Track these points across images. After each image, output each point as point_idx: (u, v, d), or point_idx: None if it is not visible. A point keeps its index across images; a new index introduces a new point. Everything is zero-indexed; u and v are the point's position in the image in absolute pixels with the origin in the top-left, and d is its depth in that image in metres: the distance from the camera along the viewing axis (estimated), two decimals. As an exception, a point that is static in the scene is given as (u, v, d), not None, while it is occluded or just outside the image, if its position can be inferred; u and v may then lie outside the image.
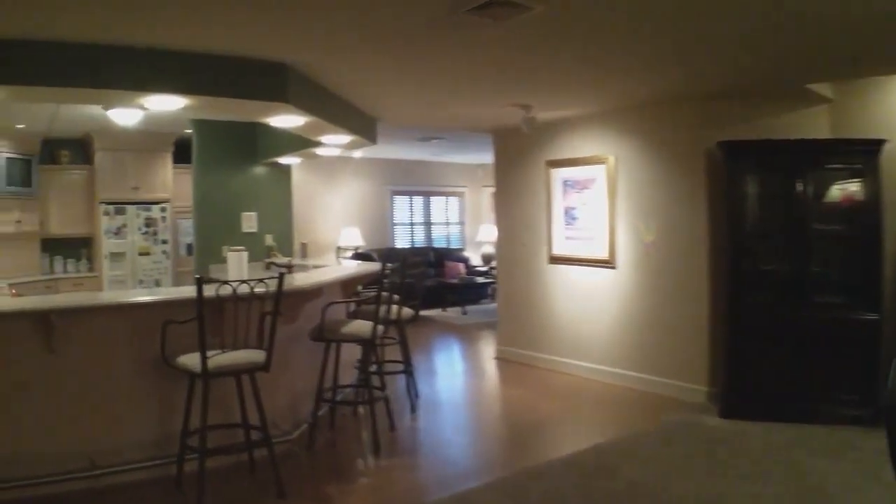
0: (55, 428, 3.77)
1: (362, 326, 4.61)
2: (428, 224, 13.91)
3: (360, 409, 5.36)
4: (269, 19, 3.44)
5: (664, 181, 5.99)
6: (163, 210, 9.02)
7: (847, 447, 4.41)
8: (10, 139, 8.35)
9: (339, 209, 12.45)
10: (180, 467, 3.83)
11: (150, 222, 8.94)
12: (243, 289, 3.56)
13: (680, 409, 5.42)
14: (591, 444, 4.64)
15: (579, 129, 6.77)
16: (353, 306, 5.47)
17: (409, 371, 5.70)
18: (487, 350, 8.33)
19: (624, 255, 6.37)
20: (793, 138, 5.12)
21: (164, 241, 8.99)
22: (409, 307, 5.72)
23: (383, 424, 4.88)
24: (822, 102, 5.50)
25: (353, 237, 12.16)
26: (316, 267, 6.70)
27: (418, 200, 13.76)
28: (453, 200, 14.27)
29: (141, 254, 8.87)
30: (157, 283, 8.91)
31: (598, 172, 6.61)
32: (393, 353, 6.04)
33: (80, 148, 9.08)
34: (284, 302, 4.32)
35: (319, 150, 6.89)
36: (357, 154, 12.14)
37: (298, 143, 6.88)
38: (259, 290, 3.66)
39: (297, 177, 11.92)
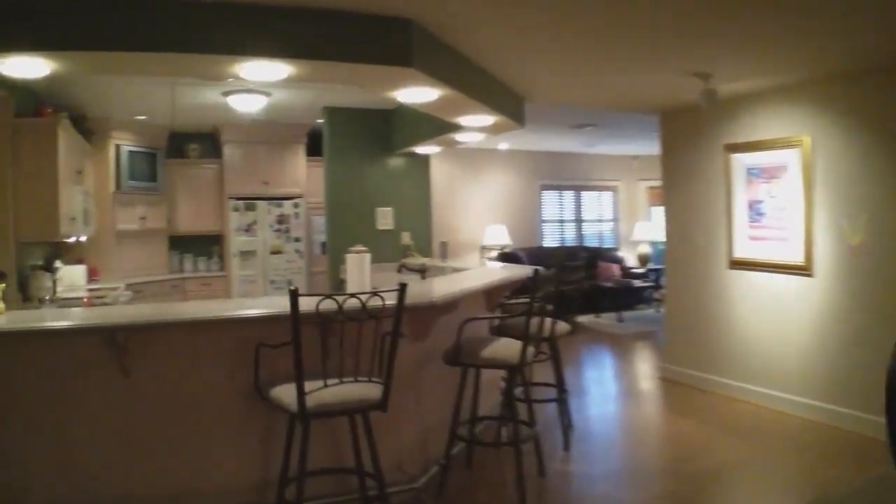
0: (129, 469, 3.20)
1: (508, 348, 3.77)
2: (579, 221, 12.87)
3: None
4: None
5: (876, 169, 4.72)
6: (295, 206, 8.63)
7: None
8: (132, 132, 8.20)
9: (483, 205, 11.71)
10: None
11: (282, 219, 8.57)
12: (353, 303, 2.81)
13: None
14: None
15: (766, 104, 5.57)
16: (497, 321, 4.65)
17: (562, 398, 4.79)
18: (649, 367, 7.26)
19: (823, 261, 5.14)
20: None
21: (297, 239, 8.59)
22: (565, 320, 4.83)
23: (530, 466, 4.00)
24: None
25: (499, 235, 11.37)
26: (455, 270, 5.95)
27: (569, 195, 12.76)
28: (606, 195, 13.14)
29: (272, 252, 8.52)
30: (290, 284, 8.52)
31: (789, 158, 5.40)
32: (542, 371, 5.17)
33: (209, 141, 8.89)
34: (411, 317, 3.59)
35: (459, 136, 6.13)
36: (503, 145, 11.37)
37: (435, 128, 6.17)
38: (374, 304, 2.89)
39: (437, 170, 11.32)
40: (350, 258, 4.02)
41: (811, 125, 5.22)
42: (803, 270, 5.31)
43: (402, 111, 7.12)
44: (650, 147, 11.53)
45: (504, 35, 3.96)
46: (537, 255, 11.62)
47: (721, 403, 5.72)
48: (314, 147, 8.58)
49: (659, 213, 13.99)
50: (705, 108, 5.16)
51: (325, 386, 2.84)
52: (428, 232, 7.70)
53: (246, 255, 8.43)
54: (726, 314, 5.95)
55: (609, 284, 10.64)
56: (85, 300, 5.88)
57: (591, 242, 12.95)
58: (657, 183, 13.21)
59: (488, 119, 5.27)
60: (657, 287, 10.82)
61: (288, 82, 3.87)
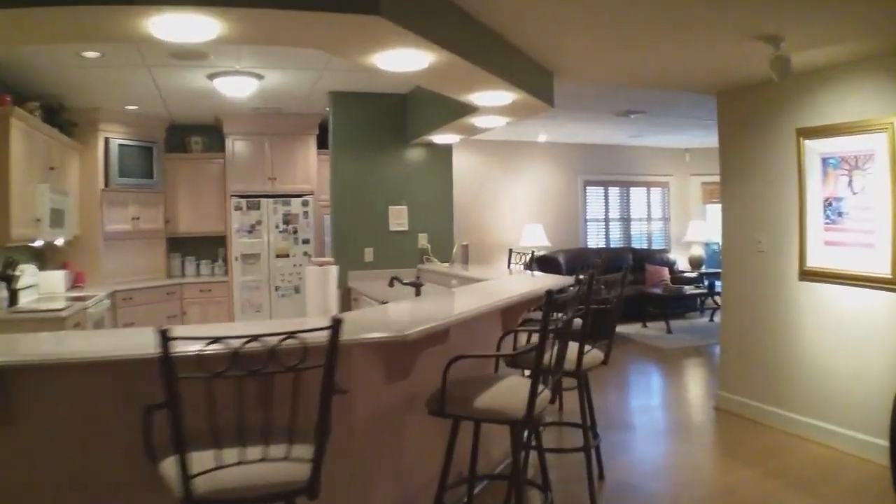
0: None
1: (513, 392, 2.83)
2: (626, 220, 11.81)
3: None
4: None
5: None
6: (304, 204, 7.81)
7: None
8: (124, 124, 7.51)
9: (520, 203, 10.77)
10: None
11: (289, 218, 7.77)
12: (266, 343, 1.93)
13: None
14: None
15: (849, 79, 4.52)
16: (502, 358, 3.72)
17: (589, 446, 3.82)
18: (702, 392, 6.23)
19: (926, 271, 4.08)
20: None
21: (306, 241, 7.77)
22: (602, 337, 3.90)
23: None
24: None
25: (537, 236, 10.40)
26: (470, 281, 5.04)
27: (614, 192, 11.70)
28: (655, 192, 12.03)
29: (278, 255, 7.73)
30: (297, 291, 7.72)
31: (876, 144, 4.35)
32: (570, 401, 4.24)
33: (214, 134, 8.14)
34: (385, 352, 2.73)
35: (478, 121, 5.22)
36: (542, 137, 10.40)
37: (450, 112, 5.30)
38: (317, 340, 2.00)
39: (466, 164, 10.43)
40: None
41: (907, 104, 4.17)
42: (892, 285, 4.26)
43: (418, 95, 6.23)
44: (705, 138, 10.43)
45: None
46: (579, 257, 10.64)
47: (787, 444, 4.68)
48: (327, 139, 7.76)
49: (715, 211, 12.87)
50: (777, 82, 4.13)
51: (238, 463, 1.97)
52: (449, 233, 6.81)
53: (249, 258, 7.67)
54: (795, 334, 4.90)
55: (657, 291, 9.57)
56: (64, 310, 5.12)
57: (638, 244, 11.88)
58: (713, 178, 12.09)
59: (507, 96, 4.34)
60: (711, 293, 9.71)
61: (224, 44, 3.02)
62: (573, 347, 3.64)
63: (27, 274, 5.77)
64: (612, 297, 3.88)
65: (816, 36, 3.89)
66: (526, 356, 3.29)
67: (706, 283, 10.51)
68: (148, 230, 7.85)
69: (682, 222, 11.97)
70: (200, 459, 2.01)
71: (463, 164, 10.39)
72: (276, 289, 7.71)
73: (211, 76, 5.79)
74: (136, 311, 7.33)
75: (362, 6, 2.65)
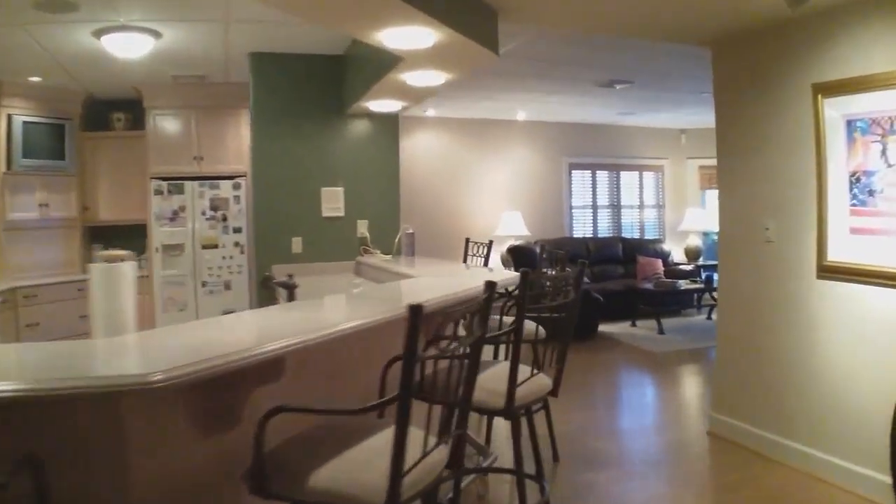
0: None
1: (371, 462, 1.78)
2: (615, 207, 10.75)
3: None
4: None
5: None
6: (235, 187, 6.73)
7: None
8: (30, 98, 6.50)
9: (497, 188, 9.73)
10: None
11: (217, 204, 6.71)
12: None
13: None
14: None
15: (880, 18, 3.46)
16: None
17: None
18: (695, 410, 5.19)
19: None
20: None
21: (238, 230, 6.70)
22: (552, 368, 2.87)
23: None
24: None
25: (515, 225, 9.37)
26: (403, 276, 3.99)
27: (603, 176, 10.64)
28: (648, 176, 10.97)
29: (205, 246, 6.67)
30: (228, 287, 6.67)
31: (919, 103, 3.32)
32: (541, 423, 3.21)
33: (140, 109, 7.06)
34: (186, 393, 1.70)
35: (409, 77, 4.16)
36: (521, 115, 9.35)
37: (376, 66, 4.24)
38: None
39: (433, 144, 9.38)
40: (95, 271, 2.10)
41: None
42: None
43: (355, 55, 5.18)
44: (702, 117, 9.36)
45: None
46: (562, 247, 9.57)
47: (800, 487, 3.65)
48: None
49: (714, 198, 11.83)
50: (790, 10, 3.08)
51: None
52: (395, 220, 5.77)
53: (171, 249, 6.62)
54: (810, 347, 3.85)
55: (648, 286, 8.51)
56: None
57: (629, 233, 10.82)
58: (712, 161, 11.00)
59: (427, 35, 3.27)
60: (709, 289, 8.67)
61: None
62: (499, 373, 2.60)
63: None
64: (564, 302, 2.82)
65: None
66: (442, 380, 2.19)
67: (703, 276, 9.47)
68: (59, 218, 6.81)
69: (677, 210, 10.92)
70: None
71: (432, 145, 9.36)
72: (203, 284, 6.66)
73: (97, 33, 4.75)
74: (42, 311, 6.33)
75: None
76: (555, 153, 10.15)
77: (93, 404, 1.73)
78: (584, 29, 4.43)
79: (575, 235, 10.29)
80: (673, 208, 10.98)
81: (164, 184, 6.62)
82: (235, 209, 6.68)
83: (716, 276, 9.91)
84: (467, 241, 5.55)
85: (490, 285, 2.10)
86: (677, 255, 10.50)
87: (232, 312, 2.47)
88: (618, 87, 7.22)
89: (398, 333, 2.59)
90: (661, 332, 8.06)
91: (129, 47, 4.85)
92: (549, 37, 5.33)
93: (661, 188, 11.02)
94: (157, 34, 4.87)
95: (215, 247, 6.68)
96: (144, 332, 2.32)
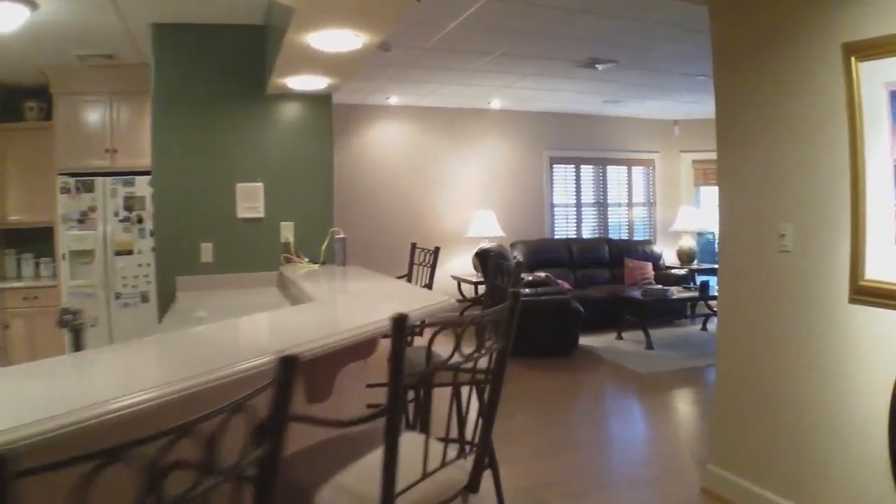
0: None
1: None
2: (601, 205, 9.81)
3: None
4: None
5: None
6: (153, 185, 5.74)
7: None
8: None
9: (468, 185, 8.82)
10: None
11: (131, 203, 5.74)
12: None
13: None
14: None
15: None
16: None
17: None
18: (687, 457, 4.24)
19: None
20: None
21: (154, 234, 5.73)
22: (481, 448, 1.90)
23: None
24: None
25: (488, 225, 8.44)
26: (304, 300, 3.04)
27: (587, 171, 9.71)
28: (638, 171, 10.03)
29: (118, 252, 5.70)
30: (145, 299, 5.71)
31: None
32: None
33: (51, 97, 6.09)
34: None
35: (314, 39, 3.18)
36: (495, 103, 8.41)
37: (276, 30, 3.29)
38: None
39: (395, 136, 8.45)
40: None
41: None
42: None
43: (272, 25, 4.22)
44: (697, 106, 8.46)
45: None
46: (541, 250, 8.67)
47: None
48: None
49: (710, 195, 10.92)
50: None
51: None
52: (327, 221, 4.80)
53: (80, 255, 5.65)
54: (836, 390, 2.90)
55: (636, 295, 7.57)
56: None
57: (616, 234, 9.89)
58: (707, 155, 10.15)
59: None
60: (704, 297, 7.74)
61: None
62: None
63: None
64: (496, 347, 1.85)
65: None
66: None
67: (698, 282, 8.56)
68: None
69: (669, 208, 9.98)
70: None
71: (396, 137, 8.43)
72: (117, 297, 5.69)
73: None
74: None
75: None
76: (534, 146, 9.21)
77: None
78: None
79: (556, 236, 9.36)
80: (664, 206, 10.04)
81: (72, 180, 5.65)
82: (152, 210, 5.71)
83: (713, 282, 9.03)
84: (413, 246, 4.60)
85: (399, 323, 1.19)
86: (669, 258, 9.59)
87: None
88: (599, 66, 6.28)
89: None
90: (649, 346, 7.12)
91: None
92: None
93: (651, 184, 10.08)
94: (32, 4, 3.92)
95: (130, 252, 5.71)
96: None
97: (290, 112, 4.76)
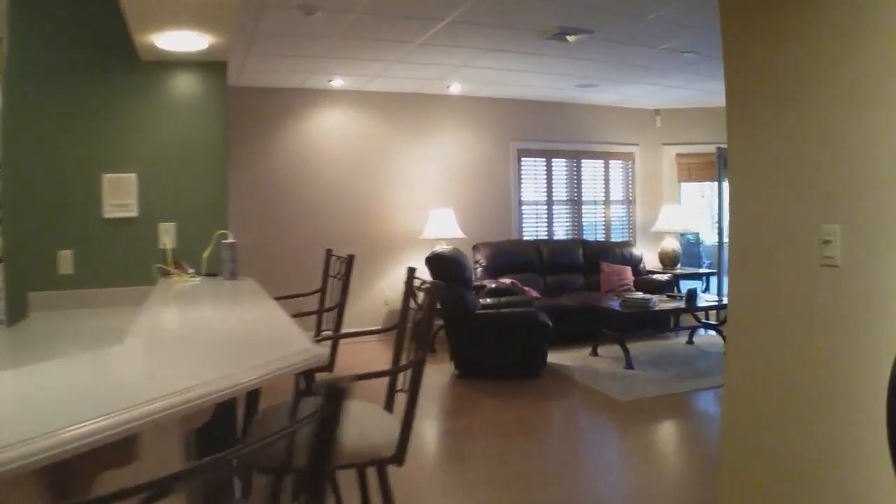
0: None
1: None
2: (575, 203, 8.86)
3: None
4: None
5: None
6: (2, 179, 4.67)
7: None
8: None
9: (425, 180, 7.85)
10: None
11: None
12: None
13: None
14: None
15: None
16: None
17: None
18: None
19: None
20: None
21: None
22: None
23: None
24: None
25: (447, 225, 7.47)
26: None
27: (560, 165, 8.75)
28: (616, 166, 9.09)
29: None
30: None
31: None
32: None
33: None
34: None
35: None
36: (454, 88, 7.45)
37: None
38: None
39: (339, 124, 7.40)
40: None
41: None
42: None
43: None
44: (682, 91, 7.51)
45: None
46: (505, 254, 7.71)
47: None
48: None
49: (693, 191, 10.01)
50: None
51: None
52: (218, 221, 3.77)
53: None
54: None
55: (613, 306, 6.61)
56: None
57: (591, 235, 8.94)
58: (691, 149, 9.24)
59: None
60: (691, 307, 6.80)
61: None
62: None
63: None
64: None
65: None
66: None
67: (683, 289, 7.63)
68: None
69: (650, 207, 9.06)
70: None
71: (341, 125, 7.43)
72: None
73: None
74: None
75: None
76: (500, 137, 8.23)
77: None
78: None
79: (525, 237, 8.39)
80: (645, 205, 9.11)
81: None
82: None
83: (699, 288, 8.11)
84: (328, 254, 3.60)
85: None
86: (650, 262, 8.66)
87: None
88: (571, 38, 5.31)
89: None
90: (629, 365, 6.17)
91: None
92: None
93: (630, 180, 9.14)
94: None
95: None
96: None
97: (173, 85, 3.73)
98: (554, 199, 8.69)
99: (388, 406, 2.35)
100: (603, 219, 9.05)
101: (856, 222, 2.06)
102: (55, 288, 3.52)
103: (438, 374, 6.09)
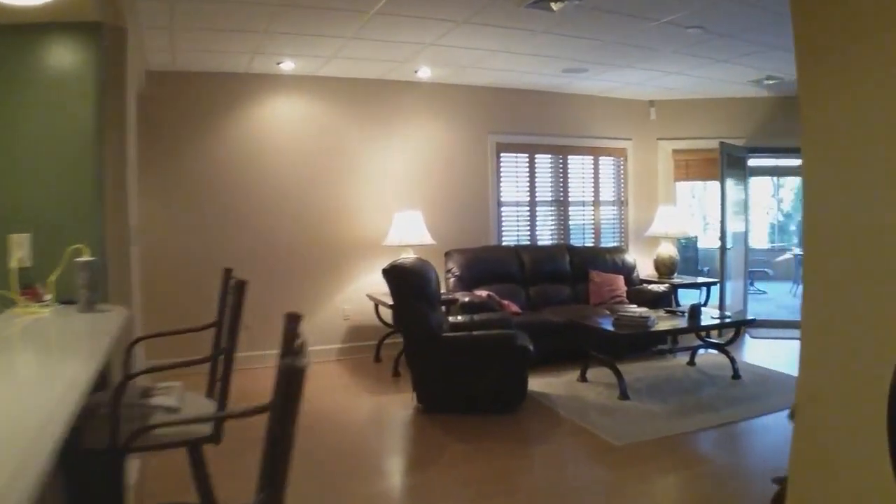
0: None
1: None
2: (561, 204, 7.95)
3: None
4: None
5: None
6: None
7: None
8: None
9: (390, 178, 6.94)
10: None
11: None
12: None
13: None
14: None
15: None
16: None
17: None
18: None
19: None
20: None
21: None
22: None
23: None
24: None
25: (414, 230, 6.55)
26: None
27: (544, 162, 7.85)
28: (606, 162, 8.19)
29: None
30: None
31: None
32: None
33: None
34: None
35: None
36: (423, 73, 6.54)
37: None
38: None
39: (294, 116, 6.38)
40: None
41: None
42: None
43: None
44: (682, 79, 6.55)
45: None
46: (480, 262, 6.81)
47: None
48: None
49: (691, 192, 9.16)
50: None
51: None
52: (91, 228, 2.84)
53: None
54: None
55: (605, 325, 5.70)
56: None
57: (579, 239, 8.04)
58: (689, 144, 8.34)
59: None
60: (695, 326, 5.89)
61: None
62: None
63: None
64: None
65: None
66: None
67: (682, 301, 6.74)
68: None
69: (645, 208, 8.17)
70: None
71: (293, 116, 6.50)
72: None
73: None
74: None
75: None
76: (476, 130, 7.31)
77: None
78: None
79: (504, 243, 7.48)
80: (638, 206, 8.22)
81: None
82: None
83: (703, 299, 7.21)
84: (227, 274, 2.66)
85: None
86: (645, 269, 7.78)
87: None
88: (555, 5, 4.37)
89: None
90: (623, 395, 5.26)
91: None
92: None
93: (622, 179, 8.25)
94: None
95: None
96: None
97: (25, 54, 2.78)
98: (537, 199, 7.77)
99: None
100: (592, 222, 8.14)
101: None
102: None
103: (398, 408, 5.16)
